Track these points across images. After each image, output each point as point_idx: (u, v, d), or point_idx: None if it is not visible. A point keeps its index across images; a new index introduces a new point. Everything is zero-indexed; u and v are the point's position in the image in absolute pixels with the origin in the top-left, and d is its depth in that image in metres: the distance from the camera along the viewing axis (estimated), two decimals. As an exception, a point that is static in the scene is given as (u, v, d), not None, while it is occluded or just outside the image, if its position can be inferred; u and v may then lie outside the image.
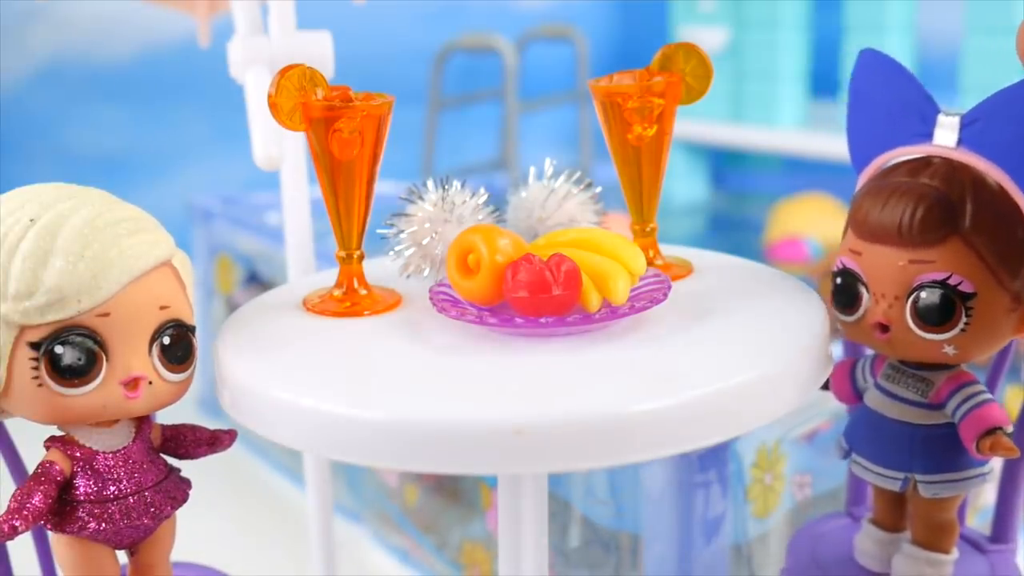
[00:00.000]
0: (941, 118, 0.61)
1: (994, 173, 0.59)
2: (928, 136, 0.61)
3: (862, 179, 0.65)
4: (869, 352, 0.66)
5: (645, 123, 0.64)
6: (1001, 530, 0.70)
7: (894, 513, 0.67)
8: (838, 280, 0.61)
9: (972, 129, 0.59)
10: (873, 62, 0.64)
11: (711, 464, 0.91)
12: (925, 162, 0.60)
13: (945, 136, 0.60)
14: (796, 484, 1.00)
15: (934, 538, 0.64)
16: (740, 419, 0.51)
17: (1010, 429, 0.60)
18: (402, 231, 0.65)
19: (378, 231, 0.66)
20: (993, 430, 0.59)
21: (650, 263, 0.65)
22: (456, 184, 0.66)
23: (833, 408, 0.99)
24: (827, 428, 1.01)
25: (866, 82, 0.65)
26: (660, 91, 0.64)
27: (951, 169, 0.59)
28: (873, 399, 0.64)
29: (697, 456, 0.90)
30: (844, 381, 0.67)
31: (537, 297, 0.55)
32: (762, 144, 2.08)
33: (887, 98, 0.63)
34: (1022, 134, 0.58)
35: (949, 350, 0.59)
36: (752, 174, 2.43)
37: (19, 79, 1.93)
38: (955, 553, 0.65)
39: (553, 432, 0.48)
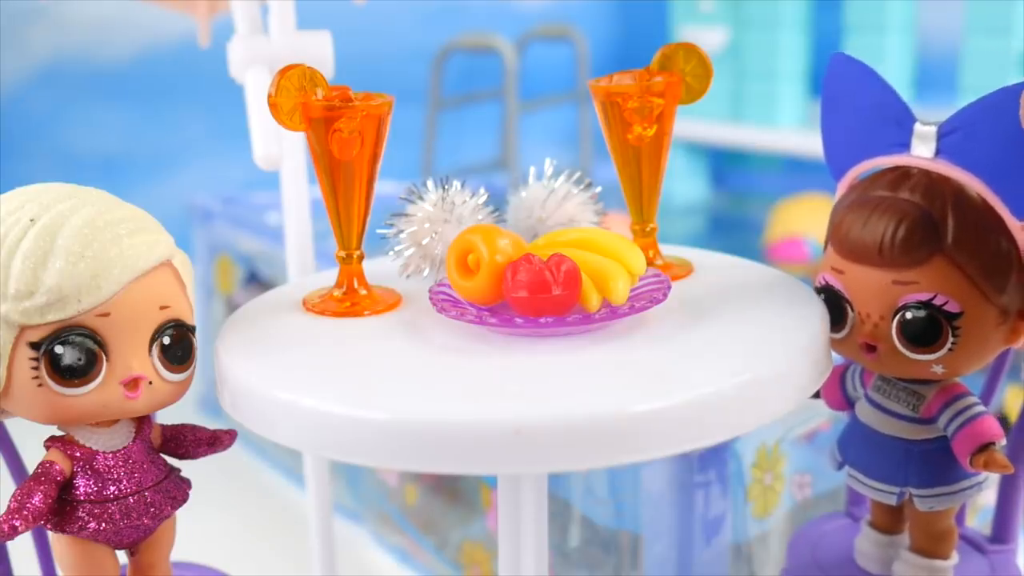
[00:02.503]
0: (918, 128, 0.59)
1: (974, 184, 0.57)
2: (905, 146, 0.60)
3: (841, 188, 0.64)
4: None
5: (645, 123, 0.64)
6: (1001, 531, 0.70)
7: (891, 517, 0.67)
8: (821, 297, 0.61)
9: (950, 139, 0.58)
10: (845, 68, 0.63)
11: (711, 464, 0.91)
12: (904, 174, 0.59)
13: (922, 147, 0.59)
14: (796, 484, 1.00)
15: (933, 545, 0.64)
16: (740, 419, 0.51)
17: (1003, 443, 0.59)
18: (402, 231, 0.65)
19: (378, 231, 0.66)
20: (986, 445, 0.59)
21: (650, 263, 0.65)
22: (456, 184, 0.66)
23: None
24: (827, 428, 1.01)
25: (839, 89, 0.63)
26: (660, 91, 0.64)
27: (930, 182, 0.58)
28: (865, 412, 0.64)
29: (697, 456, 0.90)
30: (834, 388, 0.67)
31: (537, 297, 0.55)
32: (762, 144, 2.08)
33: (862, 106, 0.62)
34: (1001, 144, 0.56)
35: (937, 369, 0.58)
36: (752, 174, 2.43)
37: (19, 79, 1.93)
38: (955, 558, 0.65)
39: (553, 432, 0.48)
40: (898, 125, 0.60)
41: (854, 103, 0.62)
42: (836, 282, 0.59)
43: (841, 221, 0.59)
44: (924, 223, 0.56)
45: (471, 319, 0.56)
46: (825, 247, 0.62)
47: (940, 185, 0.58)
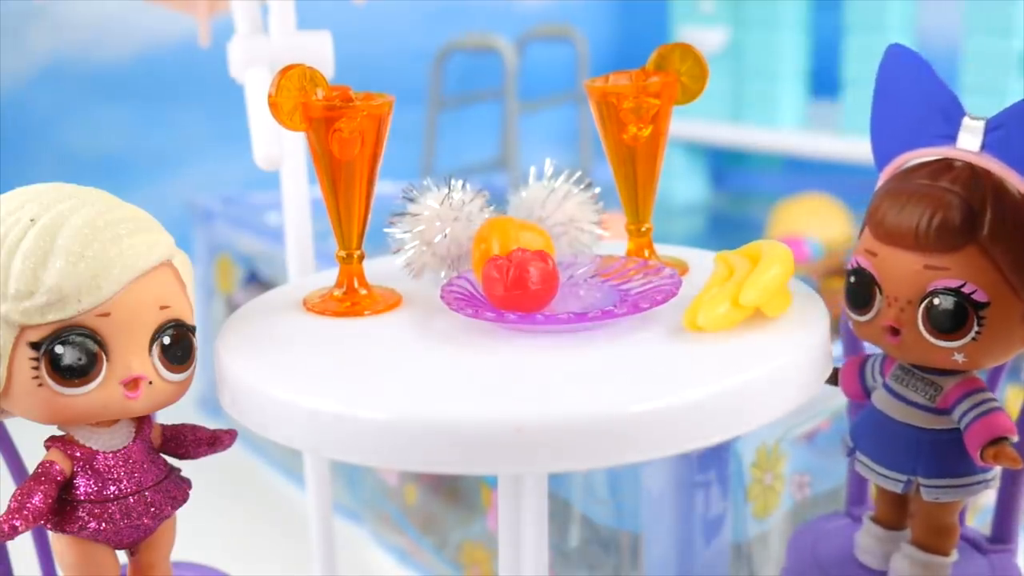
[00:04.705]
0: (966, 121, 0.60)
1: (1016, 181, 0.58)
2: (952, 138, 0.60)
3: (883, 177, 0.64)
4: (879, 350, 0.66)
5: (640, 123, 0.64)
6: (1001, 530, 0.70)
7: (896, 512, 0.67)
8: (852, 279, 0.61)
9: (997, 135, 0.58)
10: (900, 58, 0.63)
11: (711, 464, 0.91)
12: (947, 165, 0.59)
13: (969, 140, 0.59)
14: (796, 484, 1.00)
15: (934, 540, 0.64)
16: (740, 419, 0.51)
17: (1016, 439, 0.59)
18: (409, 230, 0.65)
19: (385, 230, 0.66)
20: (999, 439, 0.59)
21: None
22: (457, 183, 0.66)
23: (833, 408, 0.99)
24: (827, 428, 1.01)
25: (892, 78, 0.64)
26: (656, 91, 0.64)
27: (973, 175, 0.58)
28: (881, 400, 0.64)
29: (697, 456, 0.90)
30: (853, 379, 0.67)
31: (511, 293, 0.56)
32: (762, 144, 2.08)
33: (912, 96, 0.62)
34: None
35: (958, 357, 0.58)
36: (752, 174, 2.43)
37: (19, 79, 1.93)
38: (954, 555, 0.65)
39: (553, 432, 0.48)
40: (946, 117, 0.61)
41: (905, 94, 0.63)
42: (868, 264, 0.60)
43: (879, 204, 0.60)
44: (962, 212, 0.57)
45: (490, 317, 0.56)
46: (861, 231, 0.62)
47: (982, 178, 0.58)
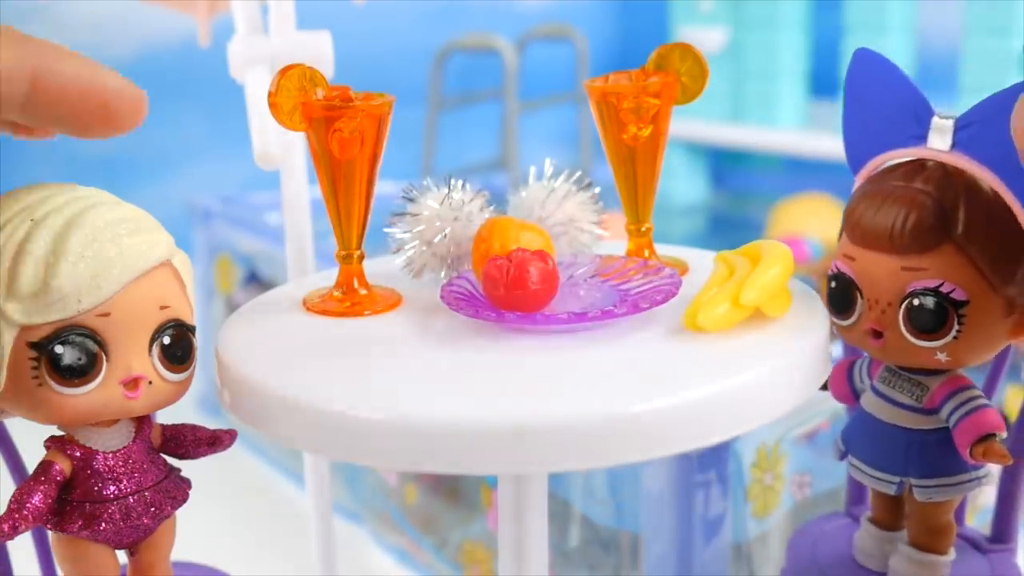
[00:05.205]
0: (935, 121, 0.60)
1: (988, 178, 0.58)
2: (922, 139, 0.60)
3: (858, 181, 0.64)
4: (866, 353, 0.66)
5: (640, 123, 0.64)
6: (1001, 530, 0.70)
7: (892, 513, 0.67)
8: (832, 284, 0.61)
9: (966, 133, 0.58)
10: (868, 62, 0.64)
11: (711, 464, 0.91)
12: (919, 166, 0.59)
13: (939, 139, 0.59)
14: (796, 484, 1.00)
15: (930, 540, 0.64)
16: (740, 419, 0.51)
17: (1004, 435, 0.59)
18: (409, 230, 0.65)
19: (385, 230, 0.66)
20: (987, 436, 0.59)
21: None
22: (457, 183, 0.66)
23: (833, 408, 0.99)
24: (827, 428, 1.01)
25: (861, 82, 0.64)
26: (655, 91, 0.64)
27: (944, 174, 0.58)
28: (869, 402, 0.64)
29: (697, 456, 0.90)
30: (841, 382, 0.67)
31: (511, 293, 0.56)
32: (762, 144, 2.08)
33: (882, 99, 0.63)
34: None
35: (942, 357, 0.58)
36: (752, 174, 2.43)
37: (19, 79, 1.92)
38: (952, 554, 0.65)
39: (553, 432, 0.48)
40: (916, 118, 0.61)
41: (875, 97, 0.63)
42: (847, 268, 0.60)
43: (854, 209, 0.60)
44: (935, 211, 0.57)
45: (490, 317, 0.56)
46: (839, 237, 0.62)
47: (953, 177, 0.58)
